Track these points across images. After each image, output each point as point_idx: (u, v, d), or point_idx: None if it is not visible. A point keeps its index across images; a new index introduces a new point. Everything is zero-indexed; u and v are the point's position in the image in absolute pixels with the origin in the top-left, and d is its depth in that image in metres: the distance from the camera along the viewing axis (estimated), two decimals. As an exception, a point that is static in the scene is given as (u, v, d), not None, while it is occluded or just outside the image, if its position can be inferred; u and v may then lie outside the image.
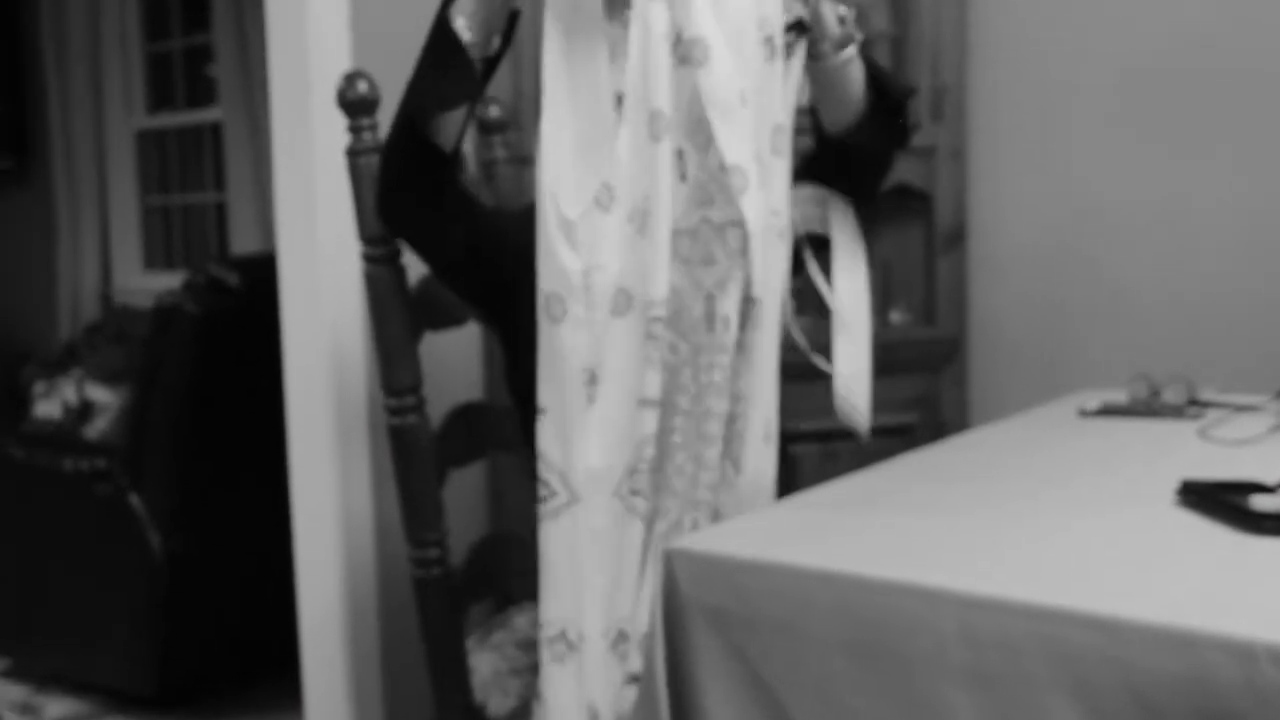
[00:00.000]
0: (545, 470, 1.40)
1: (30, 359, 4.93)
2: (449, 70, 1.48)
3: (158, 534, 2.84)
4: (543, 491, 1.40)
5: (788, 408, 1.77)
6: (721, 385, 1.44)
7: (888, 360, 2.70)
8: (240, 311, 2.83)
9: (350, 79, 1.74)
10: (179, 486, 2.87)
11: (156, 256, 5.18)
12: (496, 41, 1.49)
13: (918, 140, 2.70)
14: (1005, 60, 2.77)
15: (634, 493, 1.40)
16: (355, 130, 1.74)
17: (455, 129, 1.54)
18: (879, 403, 2.68)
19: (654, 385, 1.39)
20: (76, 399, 4.14)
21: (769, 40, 1.41)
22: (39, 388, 4.29)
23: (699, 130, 1.39)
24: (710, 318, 1.43)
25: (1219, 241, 2.54)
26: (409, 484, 1.77)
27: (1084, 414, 1.90)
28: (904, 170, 2.71)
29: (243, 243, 4.38)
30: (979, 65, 2.78)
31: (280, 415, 2.43)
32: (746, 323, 1.45)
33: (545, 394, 1.40)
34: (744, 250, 1.40)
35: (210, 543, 2.91)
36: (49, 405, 4.20)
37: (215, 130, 4.75)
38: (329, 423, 2.34)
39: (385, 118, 1.76)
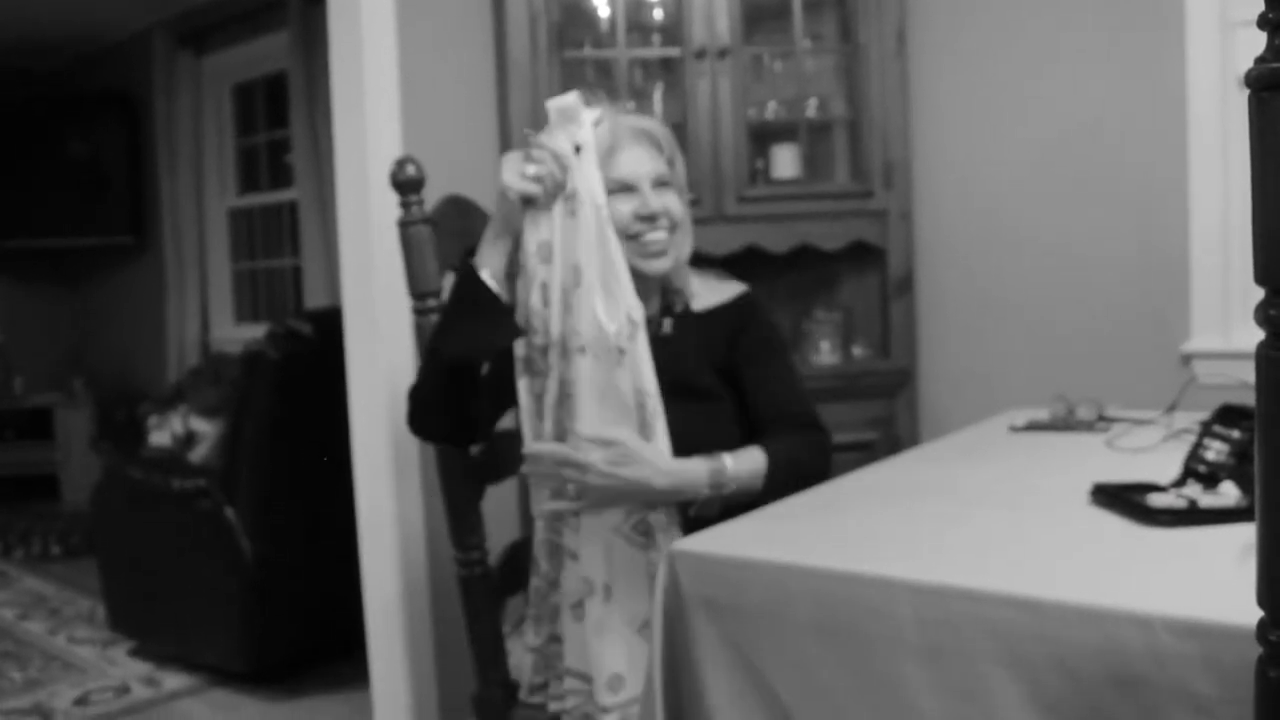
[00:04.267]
0: None
1: (145, 397, 4.94)
2: (486, 318, 1.52)
3: (248, 540, 2.83)
4: None
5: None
6: None
7: (851, 387, 2.71)
8: (313, 356, 2.83)
9: (400, 163, 1.74)
10: (265, 501, 2.86)
11: (245, 311, 5.19)
12: (507, 291, 1.54)
13: (873, 204, 2.71)
14: (941, 138, 2.78)
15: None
16: (405, 205, 1.74)
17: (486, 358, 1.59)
18: (845, 423, 2.69)
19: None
20: (183, 430, 4.13)
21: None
22: (152, 421, 4.29)
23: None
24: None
25: (1117, 283, 2.54)
26: (453, 498, 1.76)
27: (1013, 429, 1.89)
28: (861, 229, 2.71)
29: (314, 299, 4.38)
30: (921, 143, 2.79)
31: (346, 441, 2.42)
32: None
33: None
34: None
35: (291, 547, 2.90)
36: (160, 435, 4.20)
37: (292, 207, 4.76)
38: (386, 447, 2.33)
39: (430, 194, 1.77)
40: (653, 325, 1.63)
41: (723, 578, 1.22)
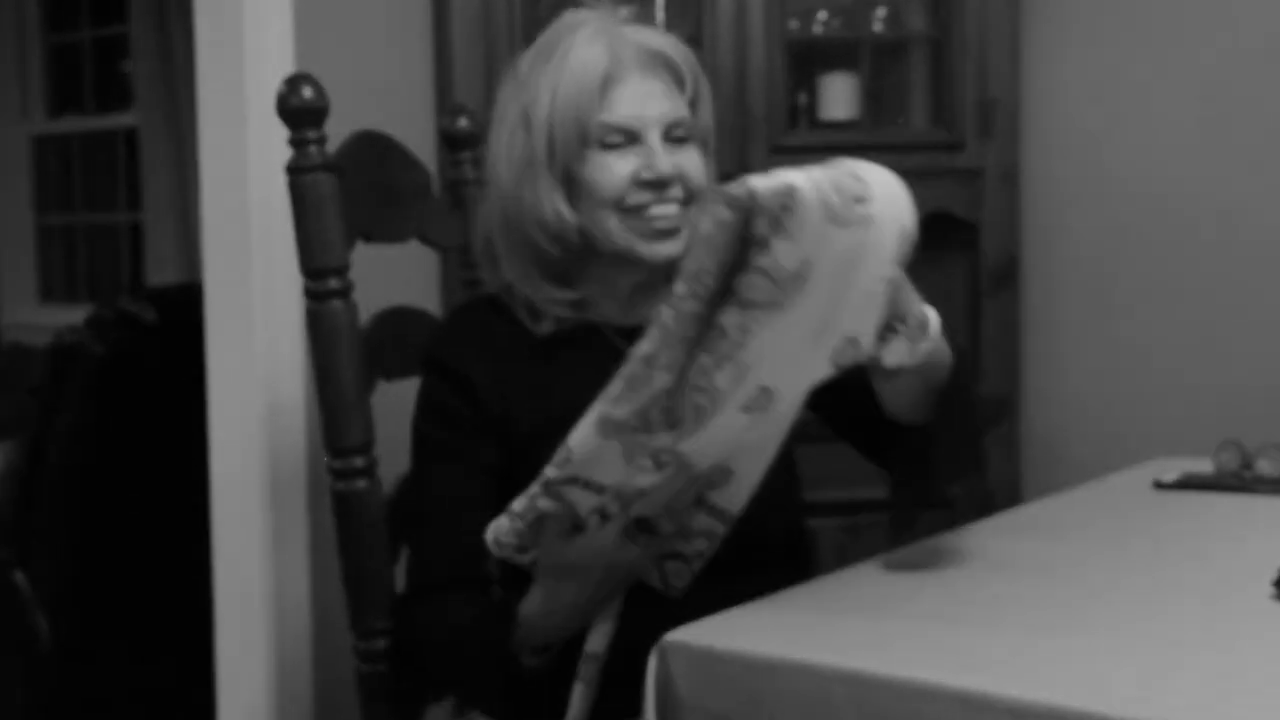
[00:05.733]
0: None
1: (-100, 408, 4.91)
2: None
3: (46, 618, 2.82)
4: None
5: (803, 474, 1.78)
6: None
7: (925, 420, 2.72)
8: (156, 353, 2.82)
9: (293, 83, 1.75)
10: (74, 562, 2.85)
11: (56, 286, 5.18)
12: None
13: (963, 160, 2.72)
14: (1063, 68, 2.79)
15: None
16: (298, 143, 1.74)
17: None
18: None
19: None
20: (-46, 456, 4.11)
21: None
22: (-91, 442, 4.27)
23: None
24: None
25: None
26: (356, 561, 1.76)
27: (1160, 486, 1.90)
28: (946, 195, 2.72)
29: (161, 271, 4.38)
30: (1034, 75, 2.80)
31: (202, 478, 2.42)
32: None
33: None
34: None
35: (110, 629, 2.89)
36: (-80, 463, 4.18)
37: (130, 137, 4.75)
38: (260, 487, 2.33)
39: (333, 129, 1.77)
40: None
41: (734, 684, 1.23)
